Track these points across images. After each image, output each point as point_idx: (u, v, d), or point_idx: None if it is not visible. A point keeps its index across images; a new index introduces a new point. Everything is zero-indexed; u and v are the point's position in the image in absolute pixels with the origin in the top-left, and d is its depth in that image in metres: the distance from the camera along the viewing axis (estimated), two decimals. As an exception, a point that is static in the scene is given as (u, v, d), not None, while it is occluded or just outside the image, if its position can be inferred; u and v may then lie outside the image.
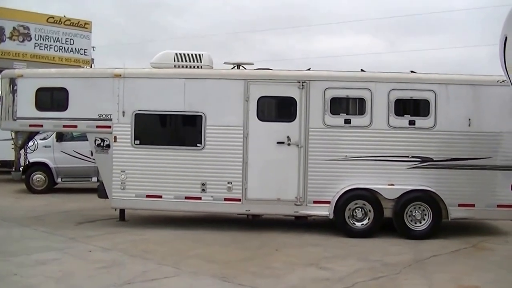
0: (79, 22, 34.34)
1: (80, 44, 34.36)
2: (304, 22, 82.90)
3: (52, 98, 14.58)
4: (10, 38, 32.76)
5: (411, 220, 13.46)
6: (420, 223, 13.47)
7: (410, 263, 11.26)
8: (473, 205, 13.42)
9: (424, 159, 13.42)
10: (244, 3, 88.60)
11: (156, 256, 11.49)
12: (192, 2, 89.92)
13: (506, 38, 9.90)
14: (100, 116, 14.12)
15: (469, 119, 13.41)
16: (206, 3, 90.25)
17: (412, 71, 14.07)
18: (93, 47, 36.64)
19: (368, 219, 13.53)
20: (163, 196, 13.96)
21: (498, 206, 13.42)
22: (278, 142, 13.63)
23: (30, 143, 16.13)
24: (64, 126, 14.72)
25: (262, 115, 13.81)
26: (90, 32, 34.74)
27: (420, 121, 13.49)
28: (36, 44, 32.95)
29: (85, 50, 34.62)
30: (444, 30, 76.48)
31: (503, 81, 12.72)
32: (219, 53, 14.59)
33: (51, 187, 21.45)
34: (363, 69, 14.19)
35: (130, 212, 15.25)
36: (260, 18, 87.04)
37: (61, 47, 33.70)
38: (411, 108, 13.73)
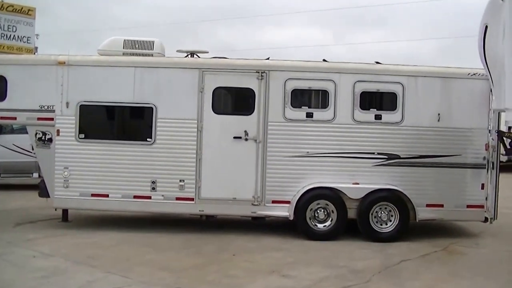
0: (22, 8, 32.81)
1: (23, 31, 32.75)
2: (251, 13, 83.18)
3: (-12, 87, 13.55)
4: None
5: (377, 222, 12.84)
6: (386, 224, 12.84)
7: (379, 269, 10.53)
8: (441, 205, 12.89)
9: (390, 156, 12.83)
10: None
11: (102, 262, 10.59)
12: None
13: (486, 27, 9.55)
14: (41, 107, 13.17)
15: (439, 114, 12.86)
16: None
17: (377, 62, 13.47)
18: (36, 35, 35.32)
19: (331, 221, 12.83)
20: (110, 195, 13.10)
21: (468, 206, 12.91)
22: (234, 137, 12.92)
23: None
24: (2, 118, 13.71)
25: (218, 108, 13.06)
26: (34, 19, 33.32)
27: (386, 116, 12.89)
28: (-24, 31, 31.62)
29: (29, 38, 33.13)
30: (390, 23, 77.53)
31: (474, 74, 12.60)
32: (166, 44, 13.79)
33: (-12, 184, 20.18)
34: (325, 59, 13.52)
35: (74, 212, 14.29)
36: (207, 8, 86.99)
37: (3, 34, 32.19)
38: (377, 101, 13.17)
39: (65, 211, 14.09)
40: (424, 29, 74.18)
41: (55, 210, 13.84)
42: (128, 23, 76.08)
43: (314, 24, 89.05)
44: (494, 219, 12.82)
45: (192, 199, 13.00)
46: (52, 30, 72.63)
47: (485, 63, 9.62)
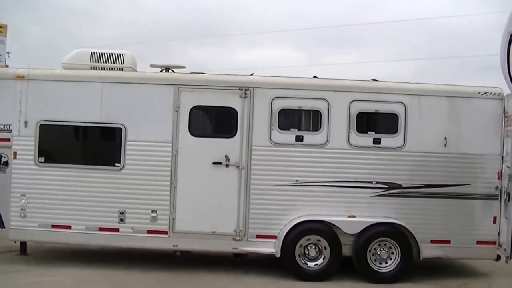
0: (-8, 25, 32.44)
1: (-7, 49, 32.43)
2: (223, 33, 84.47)
3: None
4: None
5: (376, 260, 11.78)
6: (386, 263, 11.79)
7: (380, 318, 9.29)
8: (448, 242, 11.84)
9: (391, 186, 11.82)
10: (160, 9, 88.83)
11: (59, 309, 9.47)
12: (104, 10, 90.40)
13: (511, 35, 8.62)
14: (-4, 127, 12.25)
15: (445, 138, 11.88)
16: (118, 12, 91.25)
17: (374, 79, 12.50)
18: (8, 52, 35.12)
19: (323, 258, 11.79)
20: (72, 227, 12.00)
21: (478, 242, 11.85)
22: (214, 163, 11.90)
23: None
24: (-48, 138, 12.68)
25: (195, 129, 12.06)
26: (5, 36, 33.06)
27: (386, 140, 11.90)
28: None
29: (-1, 56, 32.71)
30: (365, 44, 78.34)
31: (486, 93, 11.70)
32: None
33: None
34: (317, 75, 12.51)
35: (35, 244, 13.09)
36: (177, 28, 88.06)
37: (-28, 52, 31.81)
38: (376, 123, 12.24)
39: (23, 244, 12.94)
40: (401, 51, 75.01)
41: (14, 242, 12.73)
42: (99, 42, 76.90)
43: (287, 45, 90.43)
44: (510, 258, 11.52)
45: (165, 233, 11.99)
46: (24, 49, 73.52)
47: (509, 78, 8.54)
